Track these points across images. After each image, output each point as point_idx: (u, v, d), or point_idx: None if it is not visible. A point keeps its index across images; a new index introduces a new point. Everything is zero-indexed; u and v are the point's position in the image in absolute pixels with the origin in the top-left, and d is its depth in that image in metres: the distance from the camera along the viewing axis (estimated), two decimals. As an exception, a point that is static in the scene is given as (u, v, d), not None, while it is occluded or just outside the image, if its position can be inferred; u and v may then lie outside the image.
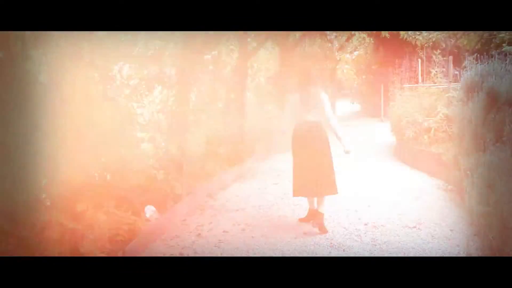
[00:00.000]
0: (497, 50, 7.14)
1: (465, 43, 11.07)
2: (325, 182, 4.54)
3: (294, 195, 4.76)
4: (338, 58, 7.78)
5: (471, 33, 10.04)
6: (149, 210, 4.60)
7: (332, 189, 4.58)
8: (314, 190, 4.55)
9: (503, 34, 9.17)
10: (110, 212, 4.02)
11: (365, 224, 4.70)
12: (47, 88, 2.92)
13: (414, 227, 4.57)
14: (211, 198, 5.85)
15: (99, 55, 3.84)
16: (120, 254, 3.48)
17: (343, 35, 9.34)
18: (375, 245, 4.15)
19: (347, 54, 11.13)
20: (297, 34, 10.82)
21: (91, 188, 3.56)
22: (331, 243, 4.24)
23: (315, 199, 4.73)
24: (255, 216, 5.13)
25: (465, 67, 6.47)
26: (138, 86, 5.39)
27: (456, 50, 11.46)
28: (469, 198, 3.33)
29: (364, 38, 12.31)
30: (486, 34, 9.69)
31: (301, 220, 4.87)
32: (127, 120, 3.30)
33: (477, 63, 5.61)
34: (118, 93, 5.26)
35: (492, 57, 5.55)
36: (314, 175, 4.52)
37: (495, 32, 10.21)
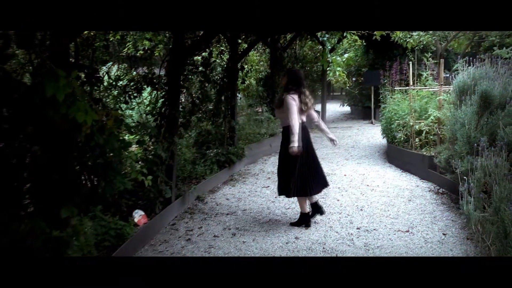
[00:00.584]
0: (487, 53, 7.18)
1: (455, 46, 11.15)
2: (323, 179, 4.82)
3: (297, 196, 4.74)
4: (330, 60, 7.74)
5: (461, 36, 10.10)
6: (138, 215, 4.50)
7: (326, 182, 4.89)
8: (315, 188, 4.73)
9: (493, 38, 9.24)
10: (97, 217, 3.93)
11: (358, 228, 4.66)
12: (31, 89, 2.81)
13: (407, 231, 4.54)
14: (201, 202, 5.75)
15: (86, 55, 3.74)
16: (107, 261, 3.38)
17: (334, 36, 9.30)
18: (368, 249, 4.11)
19: (337, 56, 11.07)
20: (288, 35, 10.79)
21: (77, 192, 3.44)
22: (323, 247, 4.19)
23: (308, 202, 4.79)
24: (246, 220, 5.05)
25: (456, 70, 6.47)
26: (126, 87, 5.27)
27: (445, 53, 11.53)
28: (466, 203, 3.28)
29: (356, 40, 12.29)
30: (476, 37, 9.74)
31: (292, 224, 4.81)
32: (114, 122, 3.19)
33: (468, 66, 5.60)
34: (106, 94, 5.17)
35: (483, 60, 5.55)
36: (313, 174, 4.68)
37: (484, 36, 10.30)
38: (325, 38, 5.11)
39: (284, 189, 4.74)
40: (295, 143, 4.44)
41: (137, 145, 4.77)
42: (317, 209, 4.84)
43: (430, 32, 9.75)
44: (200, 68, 6.26)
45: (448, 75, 8.17)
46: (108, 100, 5.51)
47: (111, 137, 2.87)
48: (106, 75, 5.18)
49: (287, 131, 4.62)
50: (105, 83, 5.29)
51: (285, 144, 4.64)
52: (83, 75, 3.63)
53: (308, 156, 4.64)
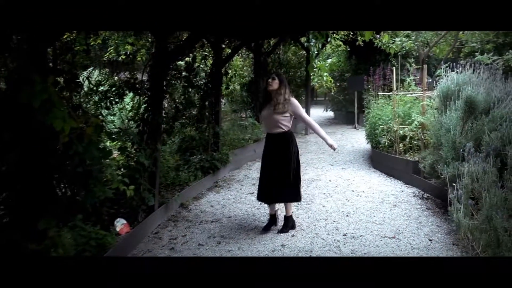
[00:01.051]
0: (467, 59, 7.26)
1: (437, 52, 11.29)
2: None
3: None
4: (315, 66, 7.74)
5: (443, 42, 10.24)
6: (120, 224, 4.37)
7: None
8: None
9: (474, 44, 9.38)
10: (77, 226, 3.79)
11: (344, 235, 4.61)
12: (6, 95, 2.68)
13: (393, 237, 4.51)
14: (185, 209, 5.64)
15: (65, 60, 3.62)
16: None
17: (319, 41, 9.32)
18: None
19: (321, 61, 11.10)
20: (272, 41, 10.77)
21: (55, 202, 3.31)
22: (310, 255, 4.12)
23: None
24: (231, 227, 4.96)
25: (439, 75, 6.51)
26: (107, 92, 5.13)
27: (426, 59, 11.66)
28: (456, 211, 3.25)
29: (339, 45, 12.33)
30: (457, 43, 9.88)
31: (280, 231, 4.74)
32: (94, 129, 3.07)
33: (451, 71, 5.63)
34: (86, 100, 5.03)
35: (464, 66, 5.59)
36: None
37: (464, 42, 10.46)
38: (311, 43, 5.06)
39: (288, 195, 4.69)
40: (331, 139, 4.72)
41: (119, 152, 4.64)
42: (275, 220, 4.89)
43: (413, 37, 9.85)
44: (184, 73, 6.16)
45: (430, 80, 8.24)
46: (88, 106, 5.36)
47: (90, 145, 2.75)
48: (87, 80, 5.04)
49: (285, 136, 4.61)
50: (86, 89, 5.16)
51: (289, 148, 4.62)
52: (62, 80, 3.51)
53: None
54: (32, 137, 2.65)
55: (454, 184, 3.59)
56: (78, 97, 4.37)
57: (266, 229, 4.78)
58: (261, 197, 4.79)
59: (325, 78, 8.19)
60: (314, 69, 8.24)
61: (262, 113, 4.72)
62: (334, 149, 4.67)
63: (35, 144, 2.74)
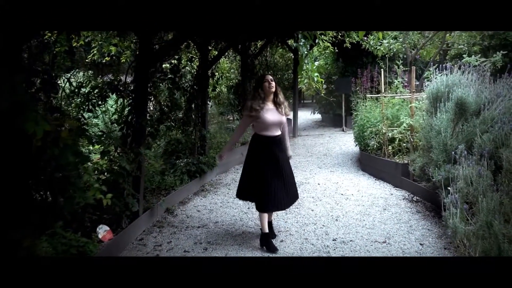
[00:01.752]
0: (453, 61, 7.25)
1: (424, 54, 11.31)
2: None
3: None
4: (304, 67, 7.67)
5: (429, 45, 10.25)
6: (102, 230, 4.21)
7: None
8: None
9: (461, 46, 9.40)
10: (57, 234, 3.62)
11: (334, 240, 4.52)
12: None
13: (384, 242, 4.43)
14: (170, 214, 5.49)
15: (42, 60, 3.46)
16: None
17: (307, 42, 9.23)
18: (346, 263, 3.96)
19: (310, 63, 11.01)
20: (259, 43, 10.67)
21: (32, 209, 3.14)
22: (299, 262, 4.01)
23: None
24: (218, 233, 4.82)
25: (427, 77, 6.47)
26: (89, 94, 4.95)
27: (413, 62, 11.68)
28: (452, 216, 3.15)
29: (327, 47, 12.27)
30: (444, 45, 9.89)
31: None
32: (74, 131, 2.91)
33: (441, 73, 5.58)
34: (67, 102, 4.86)
35: (451, 68, 5.54)
36: None
37: (450, 45, 10.49)
38: (301, 43, 4.94)
39: (294, 196, 4.55)
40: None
41: (100, 156, 4.47)
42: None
43: (401, 39, 9.84)
44: (169, 75, 6.01)
45: (417, 83, 8.22)
46: (70, 108, 5.18)
47: (65, 150, 2.59)
48: (67, 82, 4.85)
49: (281, 138, 4.49)
50: (67, 90, 4.98)
51: (285, 149, 4.57)
52: (38, 81, 3.34)
53: None
54: (4, 141, 2.48)
55: (448, 188, 3.50)
56: (58, 99, 4.20)
57: (274, 247, 4.32)
58: (276, 206, 4.34)
59: (315, 79, 8.09)
60: (303, 70, 8.14)
61: (265, 115, 4.29)
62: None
63: (7, 148, 2.58)
